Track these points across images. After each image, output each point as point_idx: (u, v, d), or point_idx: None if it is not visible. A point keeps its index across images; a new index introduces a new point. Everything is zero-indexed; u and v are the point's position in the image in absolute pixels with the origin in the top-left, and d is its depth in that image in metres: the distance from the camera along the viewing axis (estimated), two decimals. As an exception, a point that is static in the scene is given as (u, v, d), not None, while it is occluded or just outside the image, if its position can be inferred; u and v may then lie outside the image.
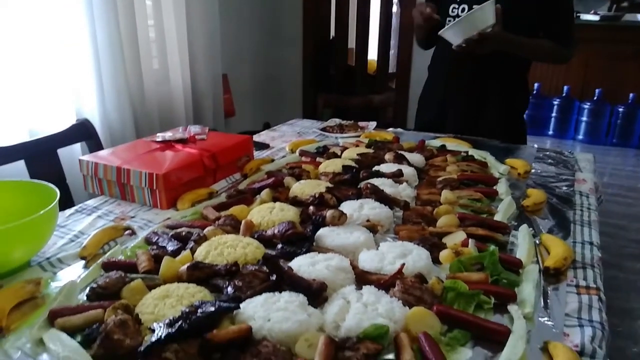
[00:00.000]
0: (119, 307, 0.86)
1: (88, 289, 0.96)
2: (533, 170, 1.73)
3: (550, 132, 5.75)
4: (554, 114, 5.70)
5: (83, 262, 1.10)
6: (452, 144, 1.98)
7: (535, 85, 5.66)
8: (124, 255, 1.10)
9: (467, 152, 1.84)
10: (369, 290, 0.92)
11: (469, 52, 1.85)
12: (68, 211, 1.37)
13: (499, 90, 2.12)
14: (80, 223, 1.30)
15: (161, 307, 0.88)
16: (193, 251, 1.08)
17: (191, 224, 1.23)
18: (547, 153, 1.93)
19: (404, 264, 0.98)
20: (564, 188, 1.57)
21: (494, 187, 1.52)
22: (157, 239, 1.15)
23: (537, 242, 1.21)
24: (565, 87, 5.50)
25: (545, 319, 0.92)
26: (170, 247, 1.10)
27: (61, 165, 2.00)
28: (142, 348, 0.76)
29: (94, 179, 1.49)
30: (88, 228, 1.27)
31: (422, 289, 0.93)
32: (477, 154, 1.85)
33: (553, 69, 5.62)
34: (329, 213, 1.20)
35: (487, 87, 2.12)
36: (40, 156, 1.92)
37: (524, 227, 1.25)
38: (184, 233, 1.16)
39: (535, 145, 2.01)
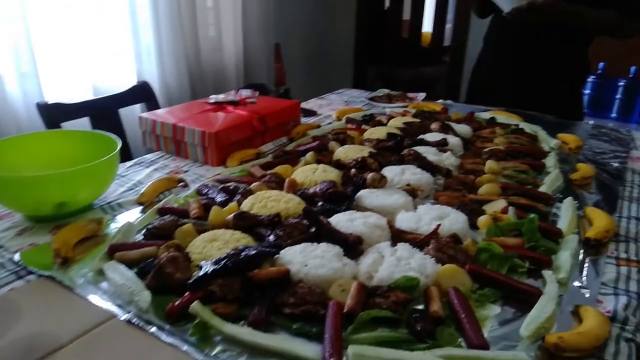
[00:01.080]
0: (171, 246, 0.94)
1: (144, 230, 1.04)
2: (586, 146, 1.68)
3: (614, 115, 5.44)
4: (618, 96, 5.39)
5: (140, 207, 1.19)
6: (503, 116, 1.94)
7: (600, 65, 5.36)
8: (177, 203, 1.19)
9: (517, 125, 1.81)
10: (403, 247, 0.95)
11: (520, 21, 1.80)
12: (128, 163, 1.48)
13: (557, 62, 2.05)
14: (138, 174, 1.40)
15: (209, 249, 0.95)
16: (239, 203, 1.15)
17: (239, 180, 1.30)
18: (603, 130, 1.86)
19: (439, 225, 1.01)
20: (616, 165, 1.52)
21: (542, 161, 1.50)
22: (207, 191, 1.22)
23: (581, 214, 1.19)
24: (632, 68, 5.18)
25: (580, 285, 0.92)
26: (219, 198, 1.18)
27: (122, 124, 2.13)
28: (191, 281, 0.83)
29: (151, 135, 1.59)
30: (145, 179, 1.36)
31: (456, 249, 0.95)
32: (528, 127, 1.82)
33: (620, 47, 5.29)
34: (369, 175, 1.24)
35: (544, 58, 2.05)
36: (103, 114, 2.06)
37: (568, 200, 1.23)
38: (231, 187, 1.23)
39: (591, 122, 1.94)
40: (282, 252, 0.92)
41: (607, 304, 0.87)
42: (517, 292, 0.87)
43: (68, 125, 1.95)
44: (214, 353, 0.73)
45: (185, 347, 0.74)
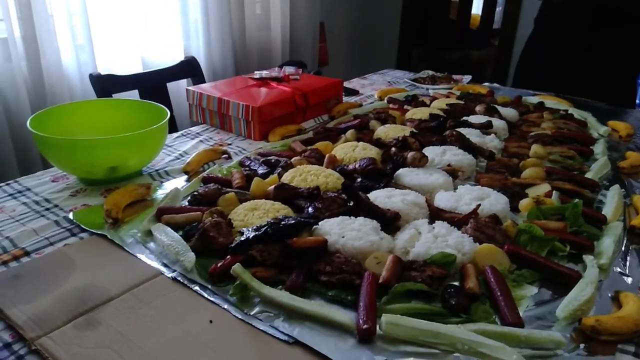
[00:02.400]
0: (215, 212, 0.98)
1: (190, 196, 1.09)
2: (637, 135, 1.62)
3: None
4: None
5: (185, 176, 1.24)
6: (552, 101, 1.88)
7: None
8: (221, 173, 1.23)
9: (566, 110, 1.75)
10: (441, 225, 0.95)
11: (571, 3, 1.72)
12: (175, 134, 1.53)
13: (608, 47, 1.96)
14: (184, 145, 1.45)
15: (250, 217, 0.98)
16: (280, 175, 1.17)
17: (280, 154, 1.32)
18: (658, 118, 1.77)
19: (479, 205, 1.00)
20: (670, 154, 1.45)
21: (590, 147, 1.46)
22: (250, 163, 1.26)
23: (628, 202, 1.16)
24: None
25: (621, 272, 0.90)
26: (261, 170, 1.21)
27: (169, 97, 2.19)
28: (232, 245, 0.86)
29: (198, 108, 1.64)
30: (191, 149, 1.41)
31: (495, 229, 0.94)
32: (578, 113, 1.76)
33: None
34: (410, 154, 1.24)
35: (595, 42, 1.97)
36: (152, 87, 2.12)
37: (615, 187, 1.20)
38: (273, 160, 1.26)
39: (646, 110, 1.86)
40: (320, 223, 0.94)
41: (649, 292, 0.85)
42: (556, 274, 0.86)
43: (118, 96, 2.03)
44: (252, 312, 0.76)
45: (226, 306, 0.78)
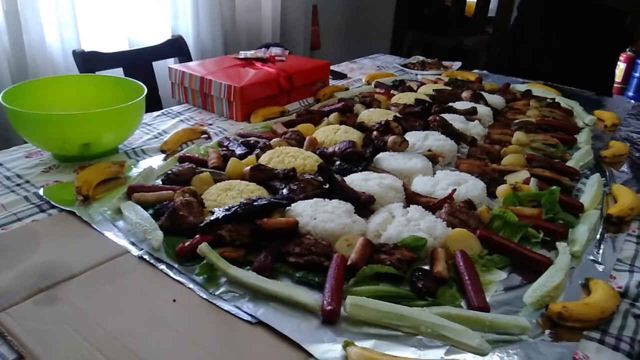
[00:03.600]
0: (187, 191, 0.96)
1: (164, 175, 1.07)
2: (623, 125, 1.61)
3: (666, 100, 5.17)
4: (673, 79, 5.09)
5: (162, 155, 1.22)
6: (540, 89, 1.87)
7: (657, 43, 5.05)
8: (198, 153, 1.21)
9: (553, 99, 1.74)
10: (415, 209, 0.95)
11: None
12: (155, 113, 1.51)
13: (586, 31, 1.95)
14: (164, 124, 1.43)
15: (223, 197, 0.97)
16: (258, 157, 1.16)
17: (260, 135, 1.30)
18: (644, 109, 1.77)
19: (455, 190, 1.00)
20: (653, 145, 1.45)
21: (574, 136, 1.45)
22: (228, 143, 1.24)
23: (607, 191, 1.15)
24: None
25: (594, 260, 0.90)
26: (239, 150, 1.19)
27: (155, 76, 2.16)
28: (202, 224, 0.85)
29: (180, 87, 1.61)
30: (170, 129, 1.39)
31: (469, 214, 0.94)
32: (565, 102, 1.75)
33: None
34: (390, 138, 1.22)
35: (573, 27, 1.96)
36: (137, 65, 2.08)
37: (595, 176, 1.19)
38: (252, 141, 1.24)
39: (632, 102, 1.84)
40: (293, 204, 0.93)
41: (620, 280, 0.85)
42: (527, 260, 0.86)
43: (102, 74, 1.99)
44: (218, 292, 0.76)
45: (191, 285, 0.77)
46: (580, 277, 0.84)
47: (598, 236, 0.97)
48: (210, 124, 1.45)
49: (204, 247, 0.78)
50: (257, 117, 1.47)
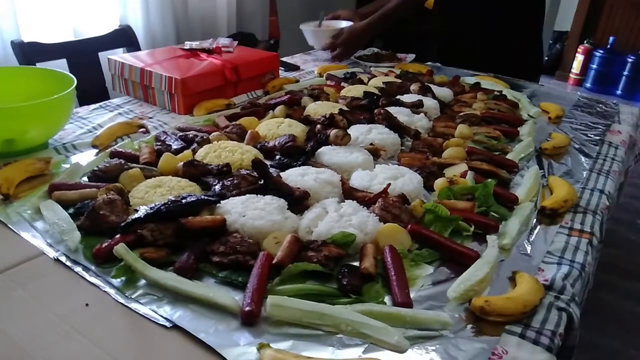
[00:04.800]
0: (112, 189, 0.92)
1: (91, 172, 1.02)
2: (568, 117, 1.64)
3: (619, 92, 5.34)
4: (625, 72, 5.26)
5: (95, 151, 1.17)
6: (488, 82, 1.89)
7: (610, 39, 5.20)
8: (131, 148, 1.16)
9: (500, 91, 1.76)
10: (349, 204, 0.93)
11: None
12: (92, 106, 1.45)
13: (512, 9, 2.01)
14: (101, 117, 1.37)
15: (151, 194, 0.93)
16: (194, 152, 1.13)
17: (200, 129, 1.27)
18: (589, 102, 1.80)
19: (389, 184, 0.99)
20: (592, 136, 1.48)
21: (518, 129, 1.46)
22: (165, 138, 1.20)
23: (544, 183, 1.17)
24: (643, 44, 5.05)
25: (524, 252, 0.91)
26: (175, 145, 1.15)
27: (101, 68, 2.08)
28: (122, 224, 0.82)
29: (120, 79, 1.55)
30: (107, 122, 1.33)
31: (402, 209, 0.93)
32: (511, 94, 1.76)
33: (632, 22, 5.13)
34: (333, 132, 1.21)
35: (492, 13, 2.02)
36: (82, 57, 2.01)
37: (533, 168, 1.21)
38: (190, 135, 1.21)
39: (578, 93, 1.88)
40: (223, 202, 0.90)
41: (547, 273, 0.86)
42: (456, 254, 0.86)
43: (43, 66, 1.91)
44: (134, 295, 0.73)
45: (107, 288, 0.73)
46: (509, 270, 0.85)
47: (530, 229, 0.99)
48: (151, 118, 1.40)
49: (120, 248, 0.75)
50: (200, 110, 1.43)
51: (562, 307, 0.78)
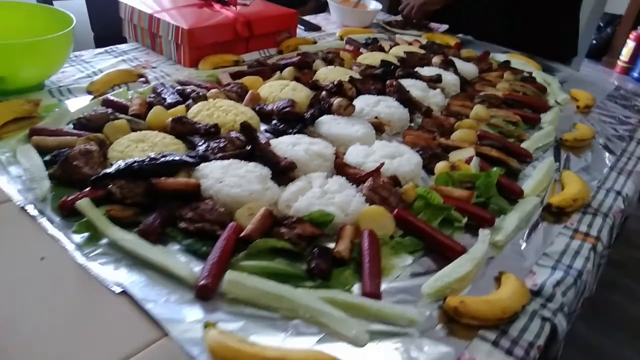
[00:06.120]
0: (93, 139, 0.89)
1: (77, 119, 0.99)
2: (598, 107, 1.52)
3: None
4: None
5: (90, 97, 1.14)
6: (519, 61, 1.76)
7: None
8: (125, 98, 1.12)
9: (530, 72, 1.64)
10: (337, 180, 0.88)
11: None
12: (97, 50, 1.40)
13: None
14: (103, 62, 1.33)
15: (132, 149, 0.90)
16: (188, 108, 1.08)
17: (200, 84, 1.21)
18: (624, 93, 1.67)
19: (383, 163, 0.92)
20: (621, 131, 1.37)
21: (540, 115, 1.36)
22: (162, 90, 1.15)
23: (557, 178, 1.08)
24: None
25: (518, 252, 0.84)
26: (170, 99, 1.11)
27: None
28: (92, 177, 0.78)
29: (130, 24, 1.50)
30: (108, 68, 1.29)
31: (391, 191, 0.87)
32: (542, 77, 1.64)
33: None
34: (336, 101, 1.14)
35: None
36: (100, -2, 1.96)
37: (547, 160, 1.12)
38: (188, 90, 1.16)
39: (616, 82, 1.74)
40: (202, 165, 0.85)
41: (538, 276, 0.80)
42: (440, 246, 0.80)
43: (63, 4, 1.87)
44: (94, 254, 0.70)
45: (66, 244, 0.71)
46: (497, 269, 0.79)
47: (531, 226, 0.91)
48: (154, 67, 1.35)
49: (82, 203, 0.72)
50: (206, 64, 1.37)
51: (547, 316, 0.72)
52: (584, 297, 0.91)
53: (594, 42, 5.25)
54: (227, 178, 0.82)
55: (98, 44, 1.91)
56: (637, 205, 1.44)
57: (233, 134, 0.97)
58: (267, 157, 0.90)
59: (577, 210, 0.98)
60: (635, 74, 5.18)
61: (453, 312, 0.67)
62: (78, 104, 1.09)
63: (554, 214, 0.96)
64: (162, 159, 0.82)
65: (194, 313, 0.62)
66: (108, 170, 0.78)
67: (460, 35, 2.07)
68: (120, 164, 0.80)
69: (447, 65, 1.53)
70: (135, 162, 0.79)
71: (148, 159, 0.81)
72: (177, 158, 0.83)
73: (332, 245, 0.77)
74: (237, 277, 0.65)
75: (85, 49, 1.40)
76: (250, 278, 0.65)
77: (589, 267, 0.85)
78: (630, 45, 5.14)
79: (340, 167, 0.95)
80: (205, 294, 0.64)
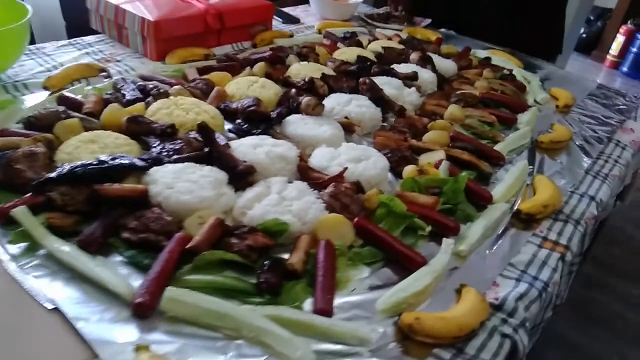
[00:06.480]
0: (41, 140, 0.84)
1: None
2: (579, 107, 1.49)
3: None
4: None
5: (47, 93, 1.08)
6: (500, 58, 1.72)
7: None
8: (82, 94, 1.07)
9: (511, 70, 1.60)
10: (297, 186, 0.84)
11: None
12: (61, 42, 1.35)
13: None
14: (66, 55, 1.28)
15: (82, 150, 0.85)
16: (147, 105, 1.03)
17: (164, 80, 1.16)
18: (606, 92, 1.64)
19: (346, 168, 0.88)
20: (600, 132, 1.34)
21: (518, 115, 1.33)
22: (123, 86, 1.10)
23: (530, 182, 1.05)
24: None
25: (482, 262, 0.81)
26: (129, 96, 1.06)
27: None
28: (33, 182, 0.74)
29: (97, 15, 1.44)
30: (70, 61, 1.24)
31: (353, 198, 0.83)
32: (522, 75, 1.61)
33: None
34: (305, 100, 1.10)
35: None
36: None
37: (520, 163, 1.09)
38: (150, 86, 1.11)
39: (598, 81, 1.71)
40: (154, 169, 0.81)
41: (501, 289, 0.77)
42: (400, 257, 0.76)
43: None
44: (29, 266, 0.66)
45: (1, 254, 0.66)
46: (459, 281, 0.76)
47: (498, 234, 0.88)
48: (119, 61, 1.30)
49: (18, 211, 0.67)
50: (173, 58, 1.32)
51: (507, 333, 0.69)
52: (555, 304, 0.89)
53: (584, 35, 5.23)
54: (178, 184, 0.78)
55: (70, 35, 1.85)
56: (621, 203, 1.42)
57: (192, 135, 0.93)
58: (224, 160, 0.86)
59: (548, 217, 0.96)
60: (625, 69, 5.17)
61: (408, 329, 0.64)
62: (34, 100, 1.04)
63: (524, 220, 0.93)
64: (110, 163, 0.78)
65: (128, 333, 0.59)
66: (51, 175, 0.74)
67: (442, 30, 2.03)
68: (65, 167, 0.75)
69: (425, 62, 1.49)
70: (79, 165, 0.75)
71: (94, 163, 0.77)
72: (125, 161, 0.78)
73: (288, 255, 0.74)
74: (177, 293, 0.61)
75: (57, 40, 1.34)
76: (191, 294, 0.62)
77: (555, 279, 0.82)
78: (620, 39, 5.12)
79: (303, 171, 0.92)
80: (142, 312, 0.60)
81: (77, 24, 1.98)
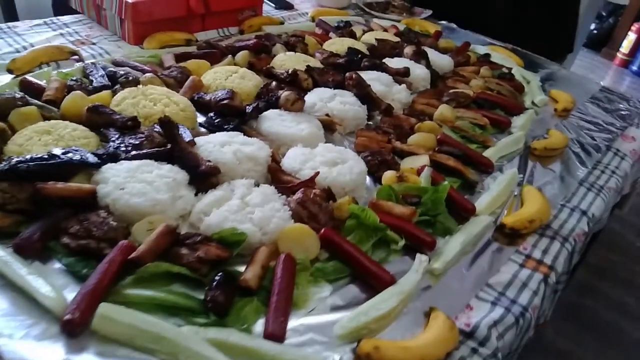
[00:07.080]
0: (-10, 130, 0.78)
1: (-18, 103, 0.88)
2: (579, 111, 1.41)
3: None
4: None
5: (12, 76, 1.02)
6: (500, 55, 1.64)
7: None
8: (47, 79, 1.00)
9: (510, 69, 1.53)
10: (263, 191, 0.78)
11: None
12: (35, 21, 1.28)
13: None
14: (38, 36, 1.21)
15: (34, 142, 0.79)
16: (114, 93, 0.97)
17: (136, 66, 1.10)
18: (609, 95, 1.56)
19: (317, 173, 0.82)
20: (599, 140, 1.27)
21: (513, 118, 1.26)
22: (92, 71, 1.04)
23: (517, 192, 0.99)
24: None
25: (459, 282, 0.75)
26: (96, 83, 0.99)
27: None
28: (-28, 178, 0.68)
29: (75, -6, 1.37)
30: (42, 42, 1.17)
31: (322, 207, 0.77)
32: (522, 74, 1.53)
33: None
34: (283, 94, 1.03)
35: None
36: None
37: (511, 172, 1.02)
38: (121, 72, 1.04)
39: (602, 83, 1.63)
40: (107, 166, 0.75)
41: (475, 313, 0.71)
42: (366, 274, 0.70)
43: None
44: (-43, 272, 0.60)
45: None
46: (430, 303, 0.70)
47: (477, 250, 0.82)
48: (94, 44, 1.23)
49: (-55, 212, 0.61)
50: (152, 42, 1.25)
51: (477, 364, 0.63)
52: (538, 324, 0.83)
53: (595, 32, 5.10)
54: (130, 184, 0.72)
55: (57, 12, 1.78)
56: (619, 211, 1.36)
57: (156, 129, 0.87)
58: (186, 158, 0.80)
59: (534, 232, 0.89)
60: (635, 68, 5.05)
61: (365, 358, 0.59)
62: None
63: (507, 235, 0.87)
64: (60, 158, 0.72)
65: (55, 353, 0.53)
66: (-9, 171, 0.68)
67: (443, 22, 1.94)
68: (8, 162, 0.69)
69: (419, 56, 1.42)
70: (22, 161, 0.69)
71: (43, 157, 0.71)
72: (75, 157, 0.72)
73: (241, 268, 0.68)
74: (111, 311, 0.56)
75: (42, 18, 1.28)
76: (126, 313, 0.56)
77: (536, 302, 0.76)
78: (631, 37, 4.99)
79: (274, 174, 0.86)
80: (71, 330, 0.55)
81: (63, 2, 1.90)
